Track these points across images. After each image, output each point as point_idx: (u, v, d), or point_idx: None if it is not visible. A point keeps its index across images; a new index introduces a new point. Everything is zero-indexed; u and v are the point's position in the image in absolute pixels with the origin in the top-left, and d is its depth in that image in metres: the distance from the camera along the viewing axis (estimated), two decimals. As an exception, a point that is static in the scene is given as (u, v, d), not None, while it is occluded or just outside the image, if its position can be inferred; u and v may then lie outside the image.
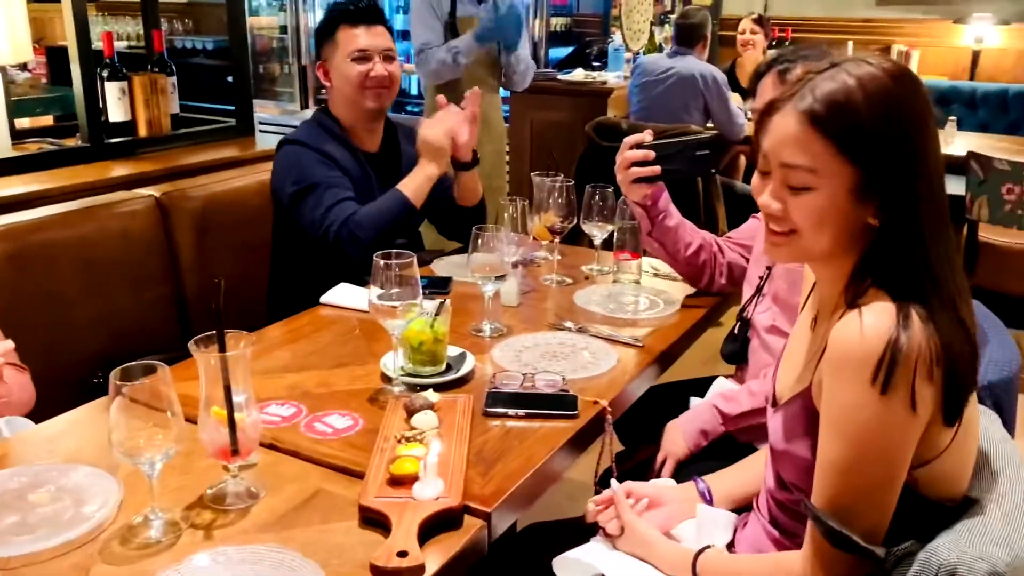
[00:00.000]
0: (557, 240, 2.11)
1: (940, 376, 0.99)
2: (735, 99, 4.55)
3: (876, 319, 1.00)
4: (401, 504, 1.14)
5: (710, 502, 1.39)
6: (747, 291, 1.88)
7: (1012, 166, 3.38)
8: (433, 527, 1.12)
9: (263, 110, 6.78)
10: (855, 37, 5.81)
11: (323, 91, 2.34)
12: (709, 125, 4.39)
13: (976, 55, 5.77)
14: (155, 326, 2.10)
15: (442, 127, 2.12)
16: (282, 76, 6.74)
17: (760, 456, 1.41)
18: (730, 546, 1.32)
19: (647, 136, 1.78)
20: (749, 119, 4.66)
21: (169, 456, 1.11)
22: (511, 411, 1.43)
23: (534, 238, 2.18)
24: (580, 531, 1.39)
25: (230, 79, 3.18)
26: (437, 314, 1.55)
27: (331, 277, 2.01)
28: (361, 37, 2.17)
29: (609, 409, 1.47)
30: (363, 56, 2.16)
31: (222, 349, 1.13)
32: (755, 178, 1.13)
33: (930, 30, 6.00)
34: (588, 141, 4.38)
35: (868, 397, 0.99)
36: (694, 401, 1.80)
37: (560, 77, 5.27)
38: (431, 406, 1.36)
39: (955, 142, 4.21)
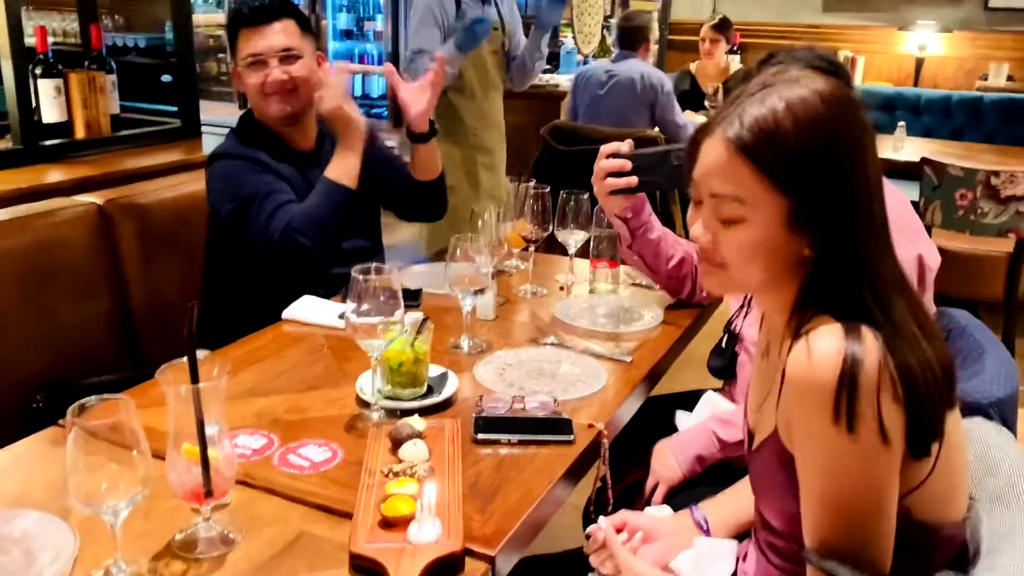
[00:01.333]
0: (532, 249, 2.02)
1: (903, 399, 0.93)
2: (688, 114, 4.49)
3: (824, 341, 0.94)
4: (397, 550, 1.03)
5: (707, 532, 1.32)
6: (733, 303, 1.81)
7: (965, 172, 3.42)
8: (434, 573, 1.02)
9: (205, 111, 6.54)
10: (801, 43, 5.85)
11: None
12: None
13: (920, 62, 5.88)
14: (99, 344, 1.94)
15: (329, 93, 1.95)
16: (219, 75, 6.51)
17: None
18: None
19: (624, 145, 1.67)
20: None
21: (135, 502, 0.98)
22: (503, 437, 1.33)
23: (507, 247, 2.08)
24: (577, 564, 1.30)
25: (166, 78, 3.01)
26: (419, 332, 1.44)
27: (276, 291, 1.88)
28: (254, 40, 1.98)
29: (605, 433, 1.38)
30: (256, 61, 1.98)
31: (195, 380, 1.01)
32: (690, 208, 1.08)
33: (875, 36, 6.10)
34: (543, 145, 4.31)
35: (835, 435, 0.92)
36: (681, 416, 1.73)
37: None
38: (419, 435, 1.25)
39: (905, 147, 4.25)
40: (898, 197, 1.51)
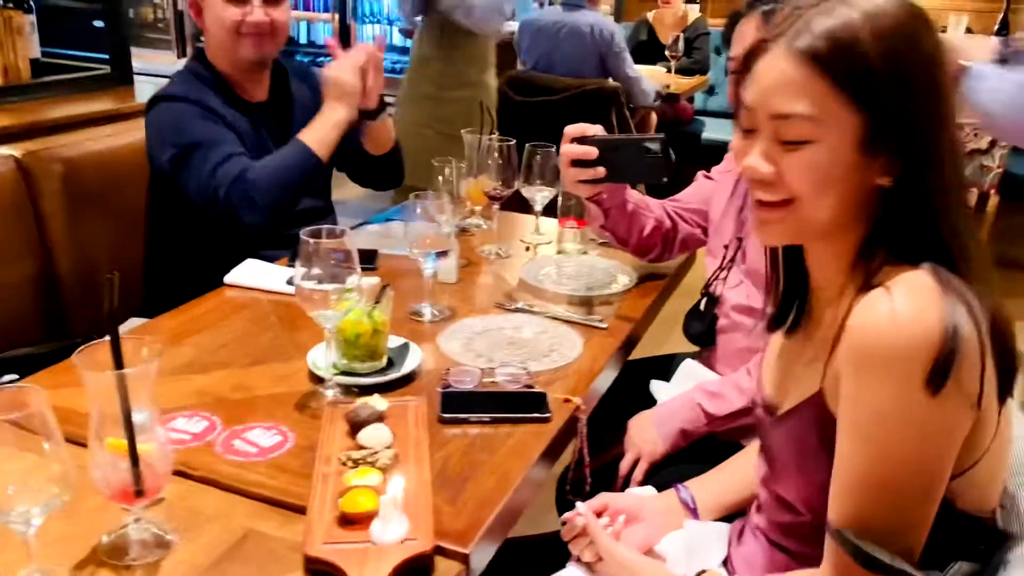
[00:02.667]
0: (496, 207, 1.88)
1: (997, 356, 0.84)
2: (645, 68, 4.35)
3: (917, 301, 0.82)
4: (359, 551, 0.90)
5: (695, 512, 1.22)
6: (710, 263, 1.70)
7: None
8: (401, 577, 0.90)
9: (138, 59, 6.20)
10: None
11: (201, 39, 2.00)
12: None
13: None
14: (20, 313, 1.76)
15: (350, 64, 1.82)
16: (156, 21, 6.17)
17: (748, 455, 1.24)
18: (725, 561, 1.15)
19: (591, 128, 1.49)
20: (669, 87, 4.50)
21: (52, 507, 0.84)
22: (473, 416, 1.21)
23: (468, 204, 1.94)
24: (558, 548, 1.19)
25: (97, 23, 2.77)
26: (377, 301, 1.30)
27: (222, 254, 1.72)
28: None
29: (583, 408, 1.27)
30: None
31: (119, 365, 0.86)
32: (736, 139, 0.95)
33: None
34: (501, 96, 4.14)
35: (913, 399, 0.81)
36: (658, 386, 1.63)
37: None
38: (380, 417, 1.12)
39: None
40: None
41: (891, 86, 0.86)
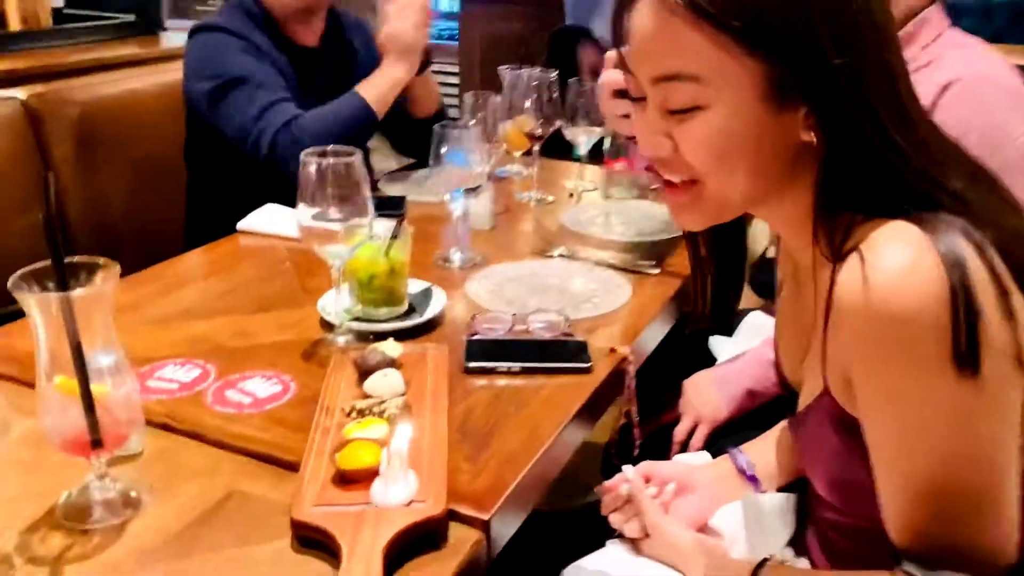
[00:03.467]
0: (536, 149, 1.71)
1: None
2: None
3: (903, 257, 0.64)
4: (356, 515, 0.75)
5: (754, 481, 1.04)
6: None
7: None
8: (406, 547, 0.74)
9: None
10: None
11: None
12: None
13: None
14: (28, 264, 1.65)
15: (411, 17, 1.67)
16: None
17: None
18: (794, 540, 0.97)
19: None
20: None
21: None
22: (502, 365, 1.04)
23: (506, 148, 1.77)
24: (596, 523, 1.02)
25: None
26: (394, 236, 1.15)
27: (259, 203, 1.58)
28: None
29: (631, 359, 1.09)
30: None
31: (63, 287, 0.72)
32: (633, 115, 0.78)
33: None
34: (548, 54, 3.95)
35: (946, 385, 0.64)
36: (718, 343, 1.44)
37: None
38: (392, 363, 0.96)
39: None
40: (1005, 68, 1.20)
41: (789, 18, 0.66)
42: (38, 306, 0.73)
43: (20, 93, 1.68)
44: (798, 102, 0.69)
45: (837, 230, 0.70)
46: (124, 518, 0.79)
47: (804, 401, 0.83)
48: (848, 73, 0.67)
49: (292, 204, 1.55)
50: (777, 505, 1.00)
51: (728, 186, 0.73)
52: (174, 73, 1.89)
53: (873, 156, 0.69)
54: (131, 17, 2.53)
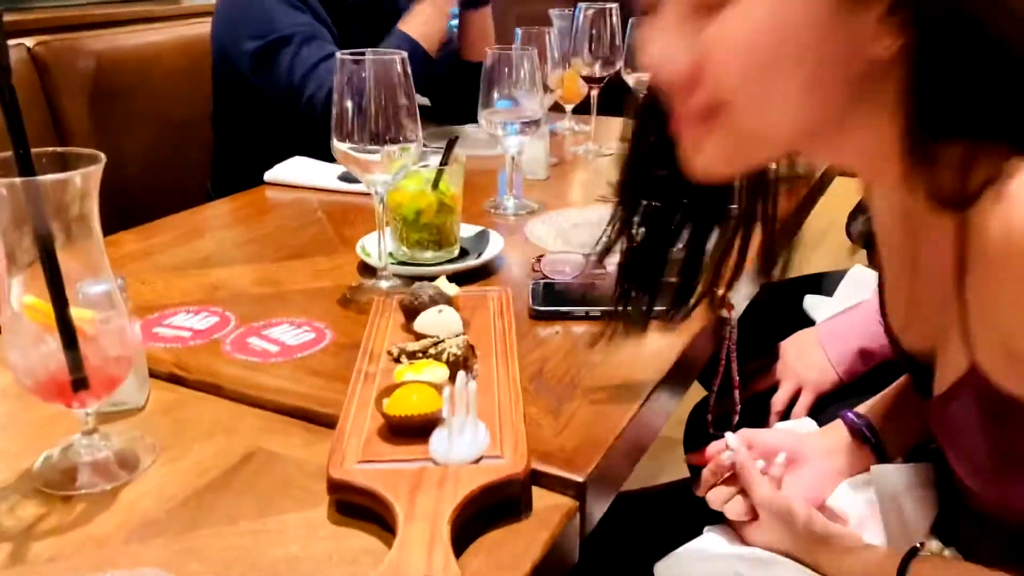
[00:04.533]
0: (595, 92, 1.53)
1: None
2: None
3: None
4: (413, 473, 0.57)
5: (879, 450, 0.85)
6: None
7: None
8: (478, 516, 0.56)
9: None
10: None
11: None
12: None
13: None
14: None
15: None
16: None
17: None
18: (938, 526, 0.77)
19: None
20: None
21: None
22: (578, 310, 0.86)
23: (561, 98, 1.60)
24: (689, 504, 0.84)
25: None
26: (443, 164, 0.97)
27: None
28: None
29: (732, 305, 0.91)
30: None
31: (26, 171, 0.56)
32: (641, 29, 0.58)
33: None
34: None
35: None
36: (814, 301, 1.26)
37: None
38: (448, 300, 0.79)
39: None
40: None
41: None
42: None
43: (28, 42, 1.53)
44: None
45: (948, 164, 0.51)
46: (117, 483, 0.62)
47: (943, 377, 0.64)
48: None
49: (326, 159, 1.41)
50: (914, 479, 0.81)
51: (770, 109, 0.54)
52: (198, 28, 1.74)
53: (985, 57, 0.49)
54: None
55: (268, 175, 1.35)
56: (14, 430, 0.68)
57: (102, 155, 0.60)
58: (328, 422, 0.67)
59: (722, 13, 0.52)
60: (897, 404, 0.87)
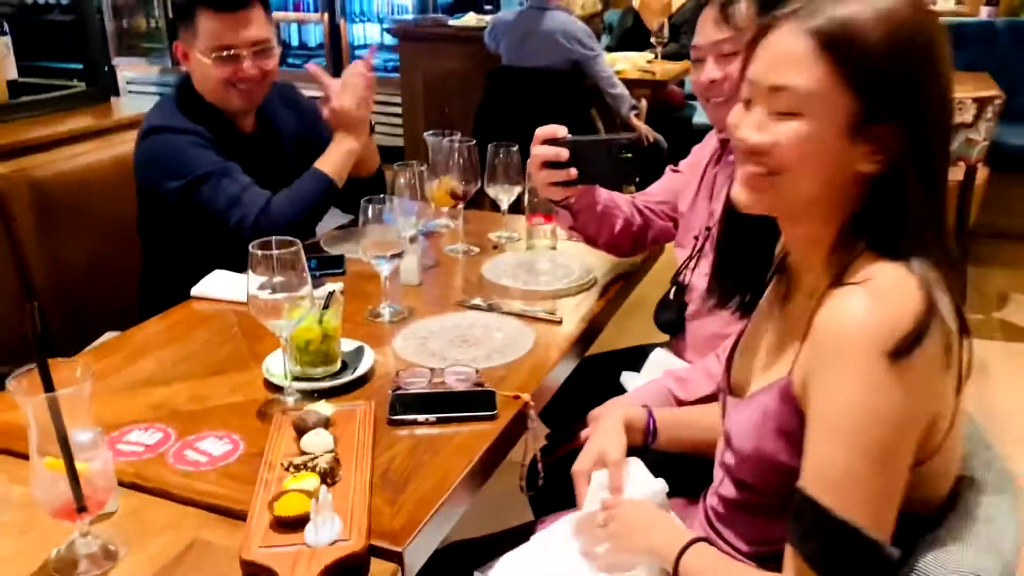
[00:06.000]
0: (460, 206, 1.91)
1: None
2: (612, 59, 4.31)
3: (892, 299, 0.86)
4: (292, 554, 0.94)
5: (652, 435, 1.29)
6: (680, 254, 1.72)
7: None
8: (335, 579, 0.93)
9: (132, 68, 6.27)
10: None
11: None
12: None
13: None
14: (8, 329, 1.81)
15: (354, 94, 1.86)
16: (149, 31, 6.23)
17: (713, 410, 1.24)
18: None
19: (560, 129, 1.48)
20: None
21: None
22: (420, 417, 1.24)
23: (434, 206, 1.97)
24: (510, 546, 1.22)
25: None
26: (326, 307, 1.33)
27: (209, 265, 1.75)
28: (223, 29, 1.80)
29: (531, 403, 1.29)
30: (229, 56, 1.81)
31: (48, 388, 0.90)
32: (735, 111, 1.00)
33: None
34: (486, 91, 4.16)
35: (882, 377, 0.84)
36: (629, 377, 1.65)
37: (451, 23, 4.99)
38: (325, 422, 1.15)
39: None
40: None
41: (890, 80, 0.90)
42: (31, 406, 0.90)
43: (-16, 171, 1.84)
44: (869, 140, 0.90)
45: (849, 255, 0.92)
46: (105, 568, 0.97)
47: (757, 386, 1.03)
48: (918, 129, 0.90)
49: (240, 269, 1.74)
50: (649, 485, 1.20)
51: (799, 185, 0.94)
52: (127, 145, 2.05)
53: (912, 199, 0.91)
54: (83, 86, 2.68)
55: (195, 290, 1.68)
56: (34, 532, 1.01)
57: (94, 367, 0.94)
58: (243, 516, 1.03)
59: (791, 120, 0.92)
60: (679, 413, 1.31)
